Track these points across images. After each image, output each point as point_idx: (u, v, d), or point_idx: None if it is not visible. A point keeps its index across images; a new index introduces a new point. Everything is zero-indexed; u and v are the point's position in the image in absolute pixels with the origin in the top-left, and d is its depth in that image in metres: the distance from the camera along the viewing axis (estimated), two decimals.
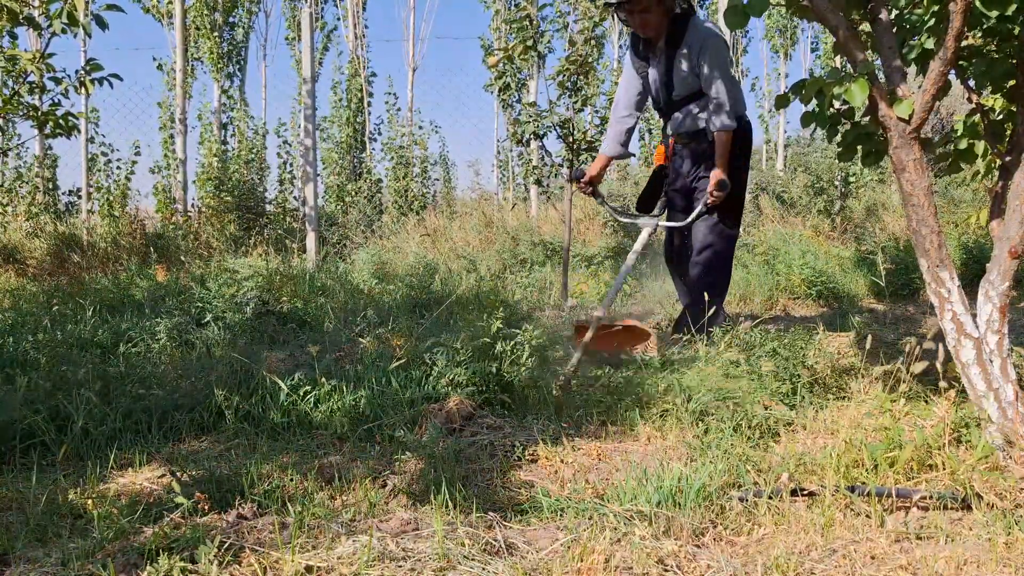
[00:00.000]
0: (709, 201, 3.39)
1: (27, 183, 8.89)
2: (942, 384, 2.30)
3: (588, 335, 3.06)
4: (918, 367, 2.29)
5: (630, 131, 3.76)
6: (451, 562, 1.62)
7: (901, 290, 5.44)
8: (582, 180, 3.64)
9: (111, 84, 4.20)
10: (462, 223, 7.82)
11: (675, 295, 5.31)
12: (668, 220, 3.71)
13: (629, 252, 3.46)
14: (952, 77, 2.27)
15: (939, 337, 2.33)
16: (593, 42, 4.73)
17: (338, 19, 11.68)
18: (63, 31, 3.71)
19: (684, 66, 3.45)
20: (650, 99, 3.73)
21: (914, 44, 2.38)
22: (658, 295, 5.33)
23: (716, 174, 3.39)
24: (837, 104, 2.35)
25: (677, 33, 3.43)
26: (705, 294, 3.44)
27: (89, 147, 9.17)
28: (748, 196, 8.76)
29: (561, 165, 4.97)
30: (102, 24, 3.89)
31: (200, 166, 9.10)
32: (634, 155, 3.95)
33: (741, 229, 3.60)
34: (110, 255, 6.95)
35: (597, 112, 5.14)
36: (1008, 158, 2.23)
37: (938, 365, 2.23)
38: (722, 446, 2.20)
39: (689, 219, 3.50)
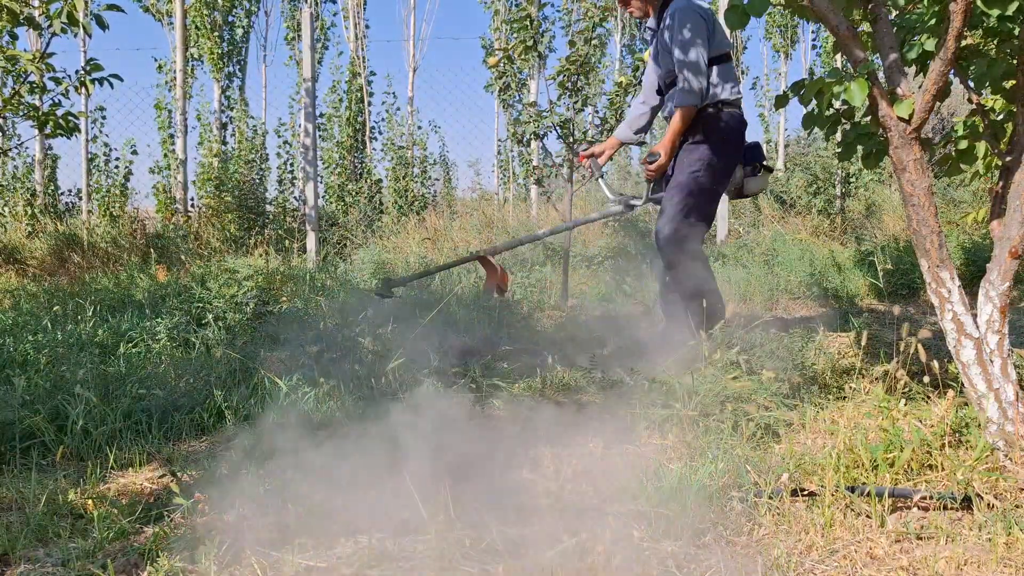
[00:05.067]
0: (645, 176, 3.40)
1: (25, 184, 8.89)
2: (925, 379, 2.33)
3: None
4: (893, 368, 2.31)
5: (644, 116, 3.68)
6: (451, 562, 1.62)
7: (901, 290, 5.43)
8: (584, 152, 3.67)
9: (111, 84, 4.20)
10: (462, 223, 7.82)
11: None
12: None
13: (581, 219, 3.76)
14: (952, 77, 2.27)
15: (913, 335, 2.37)
16: (595, 42, 4.73)
17: (335, 14, 11.70)
18: (63, 31, 3.71)
19: (664, 45, 3.34)
20: None
21: (914, 44, 2.38)
22: (658, 295, 5.33)
23: (655, 147, 3.33)
24: (837, 104, 2.35)
25: (662, 11, 3.36)
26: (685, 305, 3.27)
27: (90, 147, 9.18)
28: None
29: (561, 165, 4.97)
30: (102, 24, 3.89)
31: (200, 166, 9.10)
32: (645, 143, 3.90)
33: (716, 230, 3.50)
34: (110, 255, 6.95)
35: (597, 112, 5.14)
36: (1008, 158, 2.23)
37: (934, 365, 2.24)
38: (722, 446, 2.20)
39: (642, 201, 3.51)
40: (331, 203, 9.84)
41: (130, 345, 3.46)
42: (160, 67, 9.58)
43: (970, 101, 2.39)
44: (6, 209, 8.59)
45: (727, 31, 3.40)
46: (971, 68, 2.38)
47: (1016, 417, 2.08)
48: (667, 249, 3.30)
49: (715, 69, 3.29)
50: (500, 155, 11.90)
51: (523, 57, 4.84)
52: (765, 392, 2.58)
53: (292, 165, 9.85)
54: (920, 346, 2.36)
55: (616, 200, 3.63)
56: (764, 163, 3.43)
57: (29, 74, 4.22)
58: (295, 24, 11.47)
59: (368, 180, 9.66)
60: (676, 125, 3.28)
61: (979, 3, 2.08)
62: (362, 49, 11.12)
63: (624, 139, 3.74)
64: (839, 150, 2.59)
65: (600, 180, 3.72)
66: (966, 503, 1.85)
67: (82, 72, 4.19)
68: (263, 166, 9.24)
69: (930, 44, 2.33)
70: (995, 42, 2.32)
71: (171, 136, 9.03)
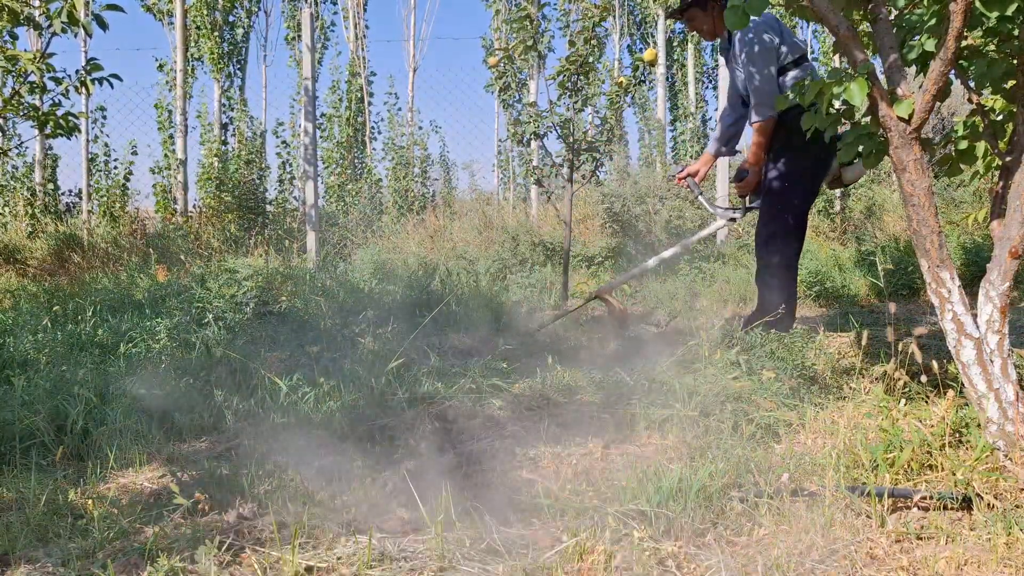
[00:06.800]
0: (737, 192, 3.57)
1: (25, 184, 8.89)
2: (923, 378, 2.34)
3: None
4: (890, 368, 2.32)
5: (731, 128, 3.81)
6: (451, 562, 1.62)
7: (902, 290, 5.43)
8: (680, 174, 3.86)
9: (111, 84, 4.19)
10: (462, 223, 7.82)
11: (676, 294, 5.32)
12: None
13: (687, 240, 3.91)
14: (952, 77, 2.27)
15: (910, 335, 2.38)
16: (594, 42, 4.72)
17: (335, 14, 11.70)
18: (63, 31, 3.71)
19: (737, 63, 3.51)
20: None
21: (914, 44, 2.38)
22: (659, 295, 5.33)
23: (743, 163, 3.50)
24: (837, 104, 2.35)
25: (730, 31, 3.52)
26: (769, 293, 3.41)
27: (90, 147, 9.18)
28: None
29: (561, 165, 4.97)
30: (102, 24, 3.89)
31: (200, 166, 9.10)
32: (740, 152, 3.96)
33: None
34: (111, 255, 6.95)
35: (597, 112, 5.14)
36: (1008, 158, 2.23)
37: (934, 365, 2.24)
38: (722, 446, 2.20)
39: (741, 213, 3.65)
40: (331, 203, 9.84)
41: (130, 345, 3.46)
42: (160, 67, 9.58)
43: (970, 101, 2.39)
44: (6, 209, 8.60)
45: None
46: (971, 68, 2.37)
47: (1016, 417, 2.08)
48: (759, 251, 3.50)
49: (791, 73, 3.38)
50: (500, 155, 11.92)
51: (523, 57, 4.83)
52: (765, 392, 2.58)
53: (292, 165, 9.86)
54: (915, 346, 2.36)
55: (720, 214, 3.77)
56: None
57: (29, 74, 4.22)
58: (295, 24, 11.47)
59: (368, 180, 9.66)
60: (758, 140, 3.44)
61: (979, 3, 2.08)
62: (362, 49, 11.13)
63: (716, 153, 3.87)
64: (839, 150, 2.59)
65: (700, 197, 3.86)
66: (966, 503, 1.85)
67: (82, 72, 4.18)
68: (263, 166, 9.24)
69: (930, 44, 2.32)
70: (995, 42, 2.32)
71: (171, 136, 9.04)
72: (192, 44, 9.73)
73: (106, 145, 9.30)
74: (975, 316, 2.16)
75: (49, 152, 9.30)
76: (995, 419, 2.08)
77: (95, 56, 4.20)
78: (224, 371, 3.00)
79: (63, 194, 9.33)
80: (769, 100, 3.34)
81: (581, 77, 4.79)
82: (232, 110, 10.14)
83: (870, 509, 1.85)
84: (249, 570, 1.62)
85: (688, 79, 12.27)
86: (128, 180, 9.02)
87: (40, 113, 4.18)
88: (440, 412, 2.66)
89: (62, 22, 3.64)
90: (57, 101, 4.22)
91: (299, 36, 11.22)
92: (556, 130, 4.83)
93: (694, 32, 3.73)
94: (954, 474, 1.94)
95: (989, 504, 1.83)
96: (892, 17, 2.29)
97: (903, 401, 2.24)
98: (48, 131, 4.16)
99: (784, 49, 3.37)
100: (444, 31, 35.85)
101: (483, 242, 7.12)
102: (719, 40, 3.67)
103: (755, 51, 3.36)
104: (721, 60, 3.85)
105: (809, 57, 3.52)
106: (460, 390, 2.87)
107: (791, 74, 3.39)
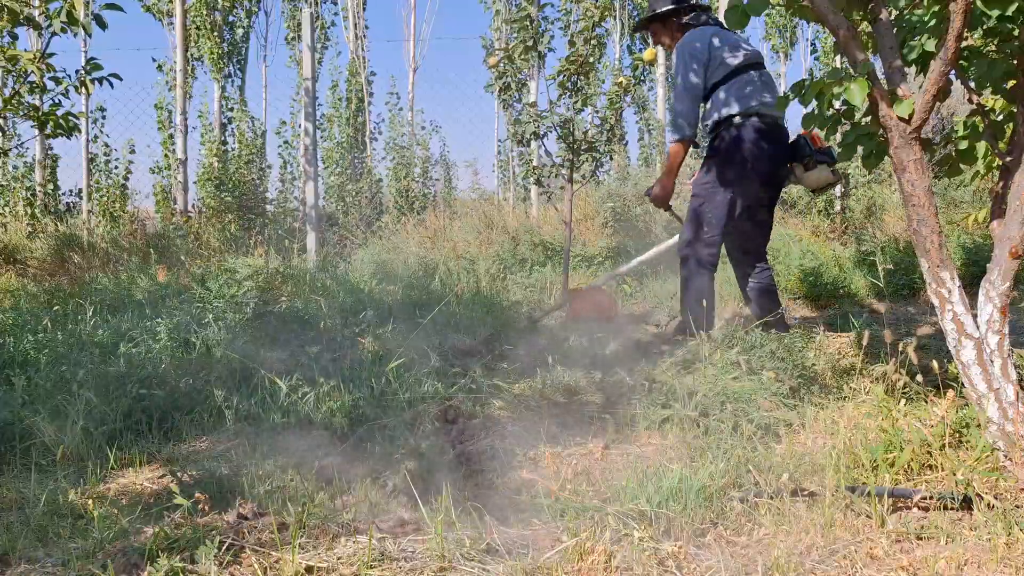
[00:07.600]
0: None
1: (25, 184, 8.89)
2: (919, 378, 2.36)
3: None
4: (890, 369, 2.33)
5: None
6: (451, 563, 1.62)
7: (901, 290, 5.43)
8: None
9: (111, 84, 4.19)
10: (462, 223, 7.82)
11: (676, 294, 5.32)
12: None
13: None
14: (952, 77, 2.27)
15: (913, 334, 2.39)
16: (594, 42, 4.72)
17: (335, 15, 11.71)
18: (63, 30, 3.70)
19: None
20: None
21: (914, 44, 2.38)
22: (659, 295, 5.33)
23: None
24: (837, 104, 2.35)
25: None
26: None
27: (91, 147, 9.18)
28: None
29: (561, 165, 4.97)
30: (102, 24, 3.89)
31: (200, 166, 9.10)
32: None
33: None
34: (111, 255, 6.94)
35: (597, 112, 5.14)
36: (1008, 158, 2.23)
37: (934, 365, 2.25)
38: (722, 446, 2.20)
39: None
40: (331, 203, 9.84)
41: (130, 345, 3.46)
42: (160, 67, 9.58)
43: (970, 101, 2.39)
44: (6, 209, 8.59)
45: (737, 42, 3.48)
46: (971, 68, 2.37)
47: (1016, 417, 2.07)
48: (679, 257, 3.56)
49: (721, 90, 3.43)
50: (500, 155, 11.91)
51: (523, 57, 4.83)
52: (765, 392, 2.58)
53: (292, 165, 9.86)
54: (913, 349, 2.36)
55: None
56: (816, 155, 3.47)
57: (29, 74, 4.21)
58: (295, 24, 11.47)
59: (368, 180, 9.66)
60: (668, 160, 3.56)
61: (979, 3, 2.08)
62: (362, 49, 11.13)
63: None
64: (839, 150, 2.59)
65: (672, 213, 3.96)
66: (966, 503, 1.85)
67: (82, 72, 4.17)
68: (263, 166, 9.24)
69: (930, 45, 2.32)
70: (995, 42, 2.32)
71: (171, 136, 9.03)
72: (192, 44, 9.73)
73: (106, 145, 9.30)
74: (975, 316, 2.16)
75: (49, 152, 9.30)
76: (995, 419, 2.08)
77: (95, 56, 4.20)
78: (224, 371, 2.99)
79: (63, 194, 9.33)
80: (684, 121, 3.43)
81: (581, 77, 4.79)
82: (232, 110, 10.14)
83: (870, 509, 1.85)
84: (249, 570, 1.62)
85: None
86: (127, 180, 9.03)
87: (40, 113, 4.17)
88: (440, 412, 2.65)
89: (62, 22, 3.64)
90: (57, 101, 4.21)
91: (299, 36, 11.23)
92: (556, 130, 4.82)
93: (658, 44, 3.86)
94: (954, 474, 1.94)
95: (989, 504, 1.83)
96: (892, 17, 2.29)
97: (903, 401, 2.24)
98: (48, 131, 4.15)
99: (714, 65, 3.42)
100: (445, 31, 35.87)
101: (483, 242, 7.12)
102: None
103: (677, 72, 3.47)
104: None
105: (764, 64, 3.58)
106: (460, 390, 2.87)
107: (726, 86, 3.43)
